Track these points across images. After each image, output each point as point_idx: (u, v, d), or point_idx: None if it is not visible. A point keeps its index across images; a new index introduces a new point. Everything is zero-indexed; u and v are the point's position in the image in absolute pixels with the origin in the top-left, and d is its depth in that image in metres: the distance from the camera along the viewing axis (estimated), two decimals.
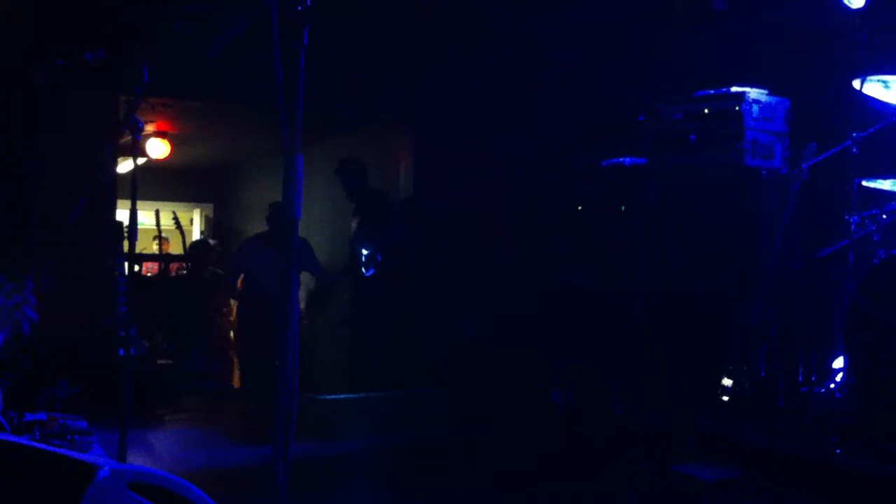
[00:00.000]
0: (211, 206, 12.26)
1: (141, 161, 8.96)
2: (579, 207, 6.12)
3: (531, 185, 6.42)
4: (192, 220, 12.24)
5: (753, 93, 5.42)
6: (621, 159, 5.97)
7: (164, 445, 4.65)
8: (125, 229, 9.00)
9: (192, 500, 2.53)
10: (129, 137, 4.23)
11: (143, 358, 5.60)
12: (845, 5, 6.09)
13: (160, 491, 2.53)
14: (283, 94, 1.94)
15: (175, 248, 9.96)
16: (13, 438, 2.94)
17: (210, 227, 12.11)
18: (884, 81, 4.87)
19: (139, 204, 3.94)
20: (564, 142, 5.81)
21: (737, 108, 5.37)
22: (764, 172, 5.37)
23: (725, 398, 4.91)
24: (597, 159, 5.95)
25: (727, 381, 4.94)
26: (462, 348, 6.53)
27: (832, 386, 4.86)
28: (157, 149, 8.85)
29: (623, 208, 5.87)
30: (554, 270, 6.09)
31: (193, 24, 5.98)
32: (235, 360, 7.94)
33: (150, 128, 8.87)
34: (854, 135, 4.95)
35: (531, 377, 6.04)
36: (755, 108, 5.39)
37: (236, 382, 7.77)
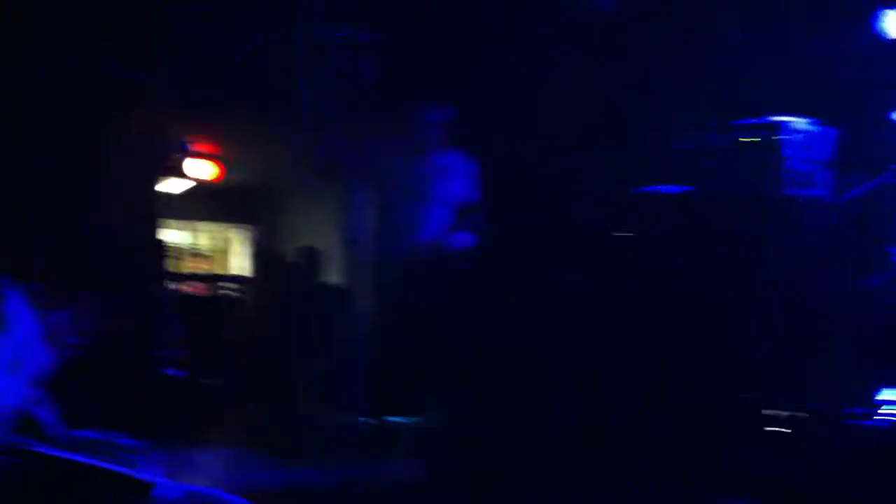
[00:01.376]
0: (251, 227, 12.26)
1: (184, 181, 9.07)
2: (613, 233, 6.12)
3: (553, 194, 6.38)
4: (229, 242, 12.26)
5: (794, 122, 5.43)
6: (658, 187, 5.97)
7: (212, 463, 4.70)
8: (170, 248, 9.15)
9: None
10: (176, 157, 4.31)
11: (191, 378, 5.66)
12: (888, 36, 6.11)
13: None
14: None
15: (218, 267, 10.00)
16: (69, 455, 3.02)
17: (250, 249, 12.13)
18: None
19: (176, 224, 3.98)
20: (595, 167, 5.84)
21: (775, 137, 5.38)
22: (803, 201, 5.36)
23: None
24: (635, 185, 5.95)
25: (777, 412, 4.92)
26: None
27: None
28: (202, 170, 8.93)
29: (659, 236, 5.86)
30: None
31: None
32: None
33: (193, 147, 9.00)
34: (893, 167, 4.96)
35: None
36: (796, 137, 5.40)
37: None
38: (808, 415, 5.05)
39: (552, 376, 6.09)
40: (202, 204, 9.90)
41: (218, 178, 9.33)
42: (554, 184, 6.30)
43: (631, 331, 5.79)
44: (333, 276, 8.19)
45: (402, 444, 5.89)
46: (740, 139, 5.50)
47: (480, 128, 6.20)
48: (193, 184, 9.10)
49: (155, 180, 7.75)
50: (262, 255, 10.88)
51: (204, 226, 10.01)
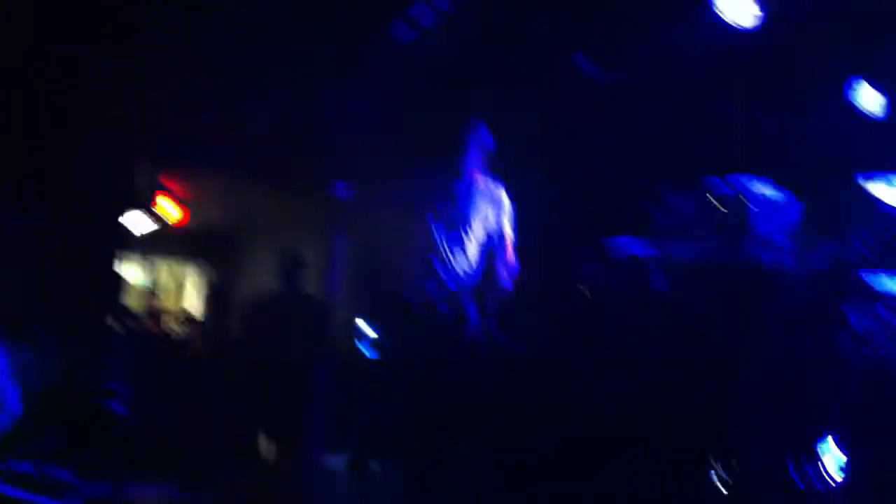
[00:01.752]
0: (210, 267, 12.19)
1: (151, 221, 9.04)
2: (588, 295, 6.09)
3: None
4: (186, 280, 12.19)
5: (760, 185, 5.45)
6: (631, 247, 5.97)
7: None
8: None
9: None
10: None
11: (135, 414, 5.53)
12: (860, 110, 6.23)
13: None
14: None
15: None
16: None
17: (207, 289, 12.04)
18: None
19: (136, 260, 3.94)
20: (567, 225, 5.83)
21: (744, 198, 5.39)
22: (769, 265, 5.36)
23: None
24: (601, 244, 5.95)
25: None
26: None
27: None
28: (170, 211, 8.94)
29: (630, 297, 5.83)
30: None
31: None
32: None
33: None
34: (862, 234, 4.99)
35: None
36: (763, 200, 5.41)
37: None
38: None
39: None
40: (164, 242, 9.88)
41: (182, 221, 9.34)
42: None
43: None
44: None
45: None
46: (708, 199, 5.51)
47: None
48: (158, 223, 9.09)
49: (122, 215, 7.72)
50: (216, 295, 10.80)
51: (163, 263, 9.97)
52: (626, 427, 5.09)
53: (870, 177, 4.94)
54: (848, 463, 4.69)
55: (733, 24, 6.11)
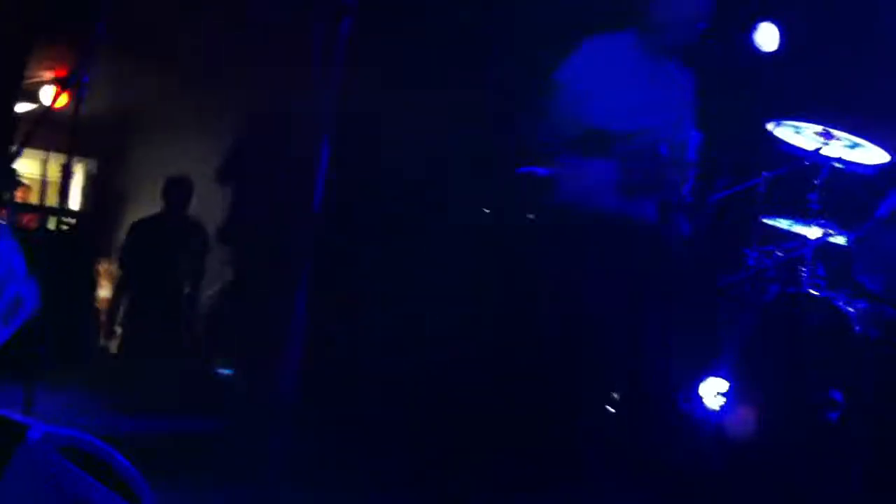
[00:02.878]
0: (95, 161, 11.79)
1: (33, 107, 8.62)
2: (486, 210, 6.20)
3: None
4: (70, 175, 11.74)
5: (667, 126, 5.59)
6: (535, 168, 6.08)
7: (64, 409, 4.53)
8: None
9: (117, 467, 2.51)
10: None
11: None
12: (758, 49, 6.41)
13: (87, 456, 2.50)
14: None
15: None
16: None
17: (91, 183, 11.66)
18: (795, 126, 5.11)
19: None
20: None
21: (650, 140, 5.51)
22: (674, 199, 5.54)
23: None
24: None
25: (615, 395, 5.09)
26: None
27: (714, 408, 5.05)
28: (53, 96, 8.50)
29: (533, 216, 5.96)
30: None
31: None
32: None
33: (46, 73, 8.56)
34: (763, 174, 5.23)
35: None
36: (668, 140, 5.56)
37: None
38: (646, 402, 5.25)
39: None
40: (49, 132, 9.43)
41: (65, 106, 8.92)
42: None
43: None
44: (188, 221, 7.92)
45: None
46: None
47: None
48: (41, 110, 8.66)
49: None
50: (107, 190, 10.46)
51: (49, 155, 9.56)
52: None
53: (776, 121, 5.13)
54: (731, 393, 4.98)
55: None
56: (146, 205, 8.64)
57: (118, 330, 7.69)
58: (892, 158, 5.06)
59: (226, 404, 5.82)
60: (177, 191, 7.68)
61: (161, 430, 4.94)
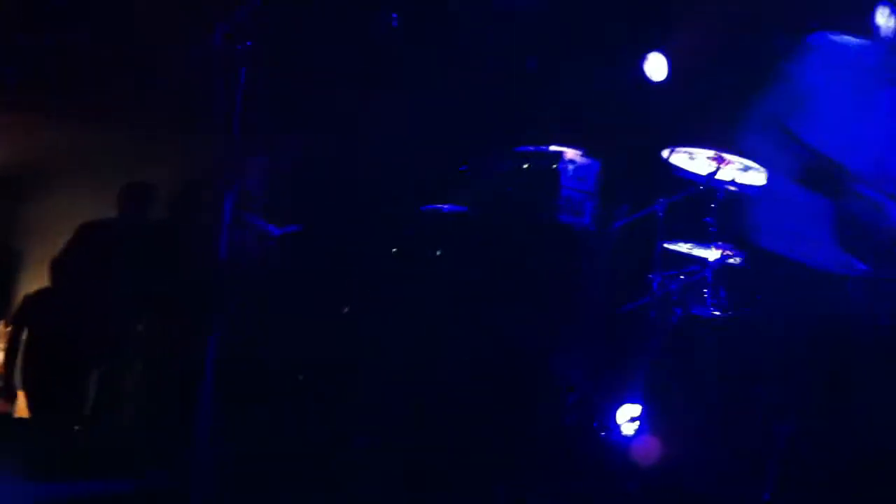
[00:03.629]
0: None
1: None
2: (394, 250, 6.20)
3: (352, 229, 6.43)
4: None
5: (570, 153, 5.71)
6: (440, 206, 6.13)
7: None
8: None
9: None
10: None
11: None
12: (648, 79, 6.61)
13: None
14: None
15: None
16: None
17: None
18: (689, 152, 5.26)
19: None
20: (388, 190, 5.88)
21: (554, 166, 5.63)
22: (576, 229, 5.65)
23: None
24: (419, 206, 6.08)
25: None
26: None
27: (629, 433, 5.12)
28: None
29: (439, 253, 6.00)
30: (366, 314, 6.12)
31: None
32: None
33: None
34: (660, 200, 5.36)
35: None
36: (570, 167, 5.68)
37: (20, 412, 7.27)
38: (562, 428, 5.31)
39: None
40: None
41: None
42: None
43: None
44: None
45: None
46: (522, 166, 5.71)
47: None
48: None
49: None
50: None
51: None
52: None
53: (671, 147, 5.27)
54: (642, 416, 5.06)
55: None
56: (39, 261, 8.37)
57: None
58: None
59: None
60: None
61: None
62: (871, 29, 5.49)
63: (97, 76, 6.76)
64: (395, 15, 6.50)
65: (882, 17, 5.58)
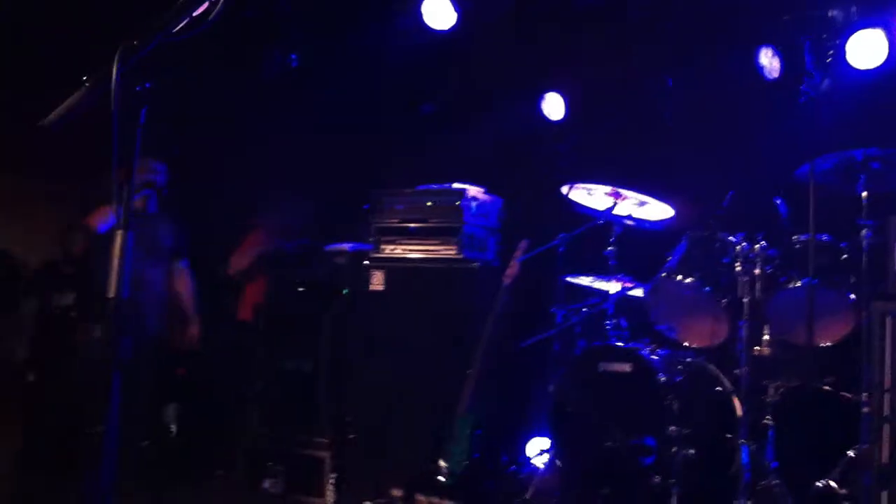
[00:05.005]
0: None
1: None
2: (300, 289, 6.18)
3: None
4: None
5: (472, 190, 5.79)
6: (345, 244, 6.14)
7: None
8: None
9: None
10: None
11: None
12: (546, 118, 6.77)
13: None
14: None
15: None
16: None
17: None
18: (588, 188, 5.39)
19: None
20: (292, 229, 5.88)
21: (457, 203, 5.70)
22: (479, 264, 5.72)
23: (441, 478, 5.09)
24: (324, 245, 6.10)
25: (443, 463, 5.13)
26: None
27: (539, 466, 5.17)
28: None
29: (345, 292, 6.00)
30: (276, 354, 6.09)
31: None
32: None
33: None
34: (561, 235, 5.48)
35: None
36: (473, 204, 5.76)
37: None
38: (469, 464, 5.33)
39: None
40: None
41: None
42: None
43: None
44: None
45: None
46: (426, 203, 5.77)
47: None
48: None
49: None
50: None
51: None
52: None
53: (570, 183, 5.39)
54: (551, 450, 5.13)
55: (435, 29, 6.39)
56: None
57: None
58: (675, 213, 5.40)
59: None
60: None
61: None
62: (755, 69, 5.79)
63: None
64: (293, 56, 6.54)
65: (765, 58, 5.86)
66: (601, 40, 6.22)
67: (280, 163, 6.27)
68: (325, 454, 5.72)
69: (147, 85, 2.01)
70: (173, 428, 6.18)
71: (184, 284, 5.90)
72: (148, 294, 5.60)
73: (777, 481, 4.46)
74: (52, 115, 2.17)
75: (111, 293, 2.03)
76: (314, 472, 5.69)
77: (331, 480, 5.62)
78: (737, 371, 4.79)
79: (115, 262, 2.00)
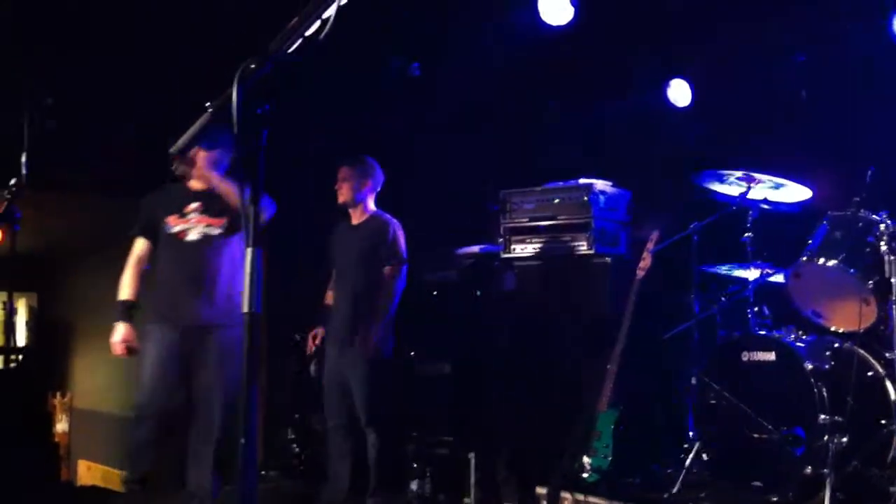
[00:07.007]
0: (35, 295, 11.68)
1: None
2: (434, 293, 6.25)
3: None
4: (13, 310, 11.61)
5: (599, 184, 5.75)
6: (475, 247, 6.18)
7: None
8: None
9: None
10: None
11: None
12: (673, 105, 6.62)
13: None
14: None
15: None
16: None
17: (34, 317, 11.53)
18: (719, 175, 5.25)
19: None
20: (421, 232, 5.93)
21: (585, 198, 5.67)
22: (611, 259, 5.66)
23: (585, 475, 5.06)
24: (453, 248, 6.15)
25: (587, 460, 5.10)
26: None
27: (685, 460, 5.06)
28: None
29: (479, 293, 6.04)
30: (413, 356, 6.17)
31: None
32: None
33: None
34: (693, 224, 5.35)
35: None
36: (601, 198, 5.71)
37: None
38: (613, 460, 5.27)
39: None
40: None
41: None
42: None
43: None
44: None
45: None
46: (554, 200, 5.75)
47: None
48: None
49: None
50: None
51: None
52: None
53: (701, 174, 5.27)
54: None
55: (553, 26, 6.36)
56: (90, 332, 8.53)
57: None
58: (813, 194, 5.21)
59: None
60: None
61: None
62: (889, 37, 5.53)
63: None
64: (416, 64, 6.61)
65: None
66: (726, 21, 6.06)
67: (405, 170, 6.34)
68: (469, 455, 5.76)
69: (267, 107, 2.06)
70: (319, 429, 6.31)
71: None
72: None
73: None
74: (180, 142, 2.27)
75: (245, 308, 2.10)
76: (458, 473, 5.73)
77: (475, 481, 5.65)
78: (889, 354, 4.58)
79: (247, 278, 2.06)
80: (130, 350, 4.93)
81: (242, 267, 2.05)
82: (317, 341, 5.71)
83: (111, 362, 7.53)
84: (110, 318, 6.59)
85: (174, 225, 4.95)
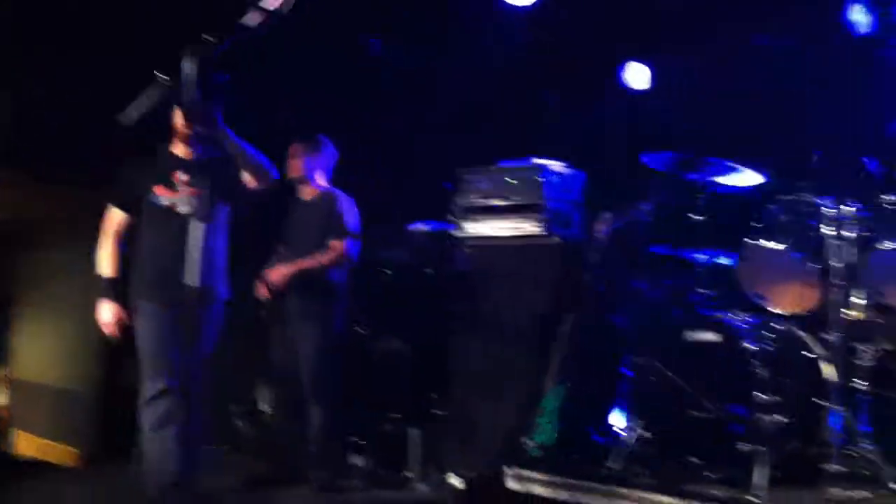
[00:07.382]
0: None
1: None
2: (387, 272, 6.27)
3: None
4: None
5: (553, 165, 5.78)
6: (426, 223, 6.20)
7: None
8: None
9: None
10: None
11: None
12: (628, 87, 6.69)
13: None
14: None
15: None
16: None
17: None
18: (672, 157, 5.30)
19: None
20: (371, 209, 5.94)
21: (538, 178, 5.69)
22: (563, 240, 5.70)
23: (528, 450, 5.13)
24: (404, 226, 6.16)
25: (531, 436, 5.17)
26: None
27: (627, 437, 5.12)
28: None
29: (430, 272, 6.06)
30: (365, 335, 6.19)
31: None
32: None
33: None
34: (644, 206, 5.41)
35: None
36: (555, 178, 5.74)
37: None
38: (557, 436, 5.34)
39: None
40: None
41: None
42: None
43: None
44: None
45: None
46: (507, 180, 5.78)
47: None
48: None
49: None
50: None
51: None
52: None
53: (650, 155, 5.32)
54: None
55: (516, 5, 6.38)
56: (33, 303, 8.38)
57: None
58: (762, 178, 5.29)
59: None
60: None
61: None
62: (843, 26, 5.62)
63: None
64: (372, 41, 6.60)
65: (856, 14, 5.67)
66: (687, 4, 6.13)
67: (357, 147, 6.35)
68: (414, 431, 5.80)
69: (227, 77, 2.07)
70: (266, 408, 6.34)
71: None
72: None
73: (870, 446, 4.38)
74: (129, 111, 2.26)
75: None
76: (401, 448, 5.77)
77: (417, 456, 5.70)
78: (828, 336, 4.69)
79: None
80: (124, 329, 4.76)
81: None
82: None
83: (53, 335, 7.50)
84: (56, 290, 6.53)
85: (163, 196, 4.77)
